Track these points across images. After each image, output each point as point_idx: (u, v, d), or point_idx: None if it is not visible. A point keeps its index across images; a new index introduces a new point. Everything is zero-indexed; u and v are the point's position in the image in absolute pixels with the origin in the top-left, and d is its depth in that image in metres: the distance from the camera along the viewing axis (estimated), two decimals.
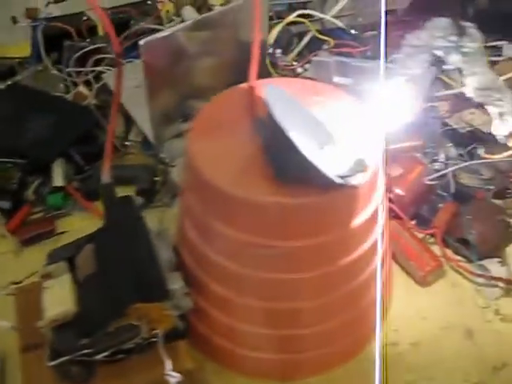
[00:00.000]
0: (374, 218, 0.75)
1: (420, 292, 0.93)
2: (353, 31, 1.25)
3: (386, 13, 1.18)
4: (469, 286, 0.92)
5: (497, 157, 0.86)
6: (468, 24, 0.65)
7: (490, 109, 0.71)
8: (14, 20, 1.20)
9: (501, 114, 0.71)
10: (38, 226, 0.98)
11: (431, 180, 0.99)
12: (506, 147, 0.78)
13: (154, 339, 0.72)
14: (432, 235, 0.96)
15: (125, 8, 1.30)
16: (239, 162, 0.70)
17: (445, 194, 0.99)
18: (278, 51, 1.19)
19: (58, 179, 1.02)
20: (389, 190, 0.98)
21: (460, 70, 0.68)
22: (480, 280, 0.92)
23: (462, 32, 0.65)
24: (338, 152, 0.63)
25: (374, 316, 0.83)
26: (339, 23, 1.23)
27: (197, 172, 0.71)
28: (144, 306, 0.70)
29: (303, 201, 0.67)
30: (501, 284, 0.91)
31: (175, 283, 0.73)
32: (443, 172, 0.99)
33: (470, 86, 0.68)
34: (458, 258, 0.95)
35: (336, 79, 1.08)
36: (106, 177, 0.85)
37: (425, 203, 0.99)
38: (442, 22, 0.64)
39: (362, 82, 1.02)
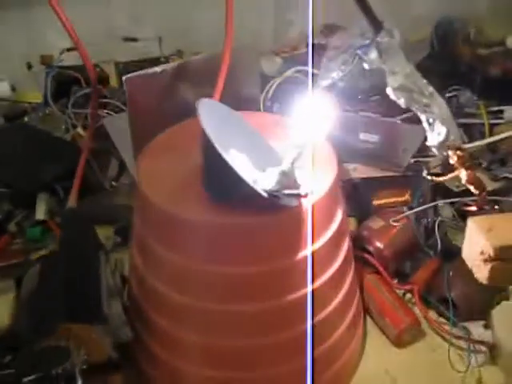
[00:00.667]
0: (330, 248, 0.71)
1: (394, 352, 0.85)
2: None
3: None
4: (449, 349, 0.84)
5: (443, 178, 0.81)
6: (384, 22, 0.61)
7: (420, 116, 0.66)
8: (29, 66, 1.27)
9: (430, 123, 0.65)
10: (10, 257, 0.98)
11: (416, 235, 0.94)
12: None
13: (85, 367, 0.68)
14: (410, 292, 0.90)
15: (141, 63, 1.35)
16: (181, 181, 0.69)
17: (430, 251, 0.93)
18: (277, 105, 1.19)
19: (40, 213, 1.03)
20: (369, 242, 0.94)
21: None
22: (462, 343, 0.84)
23: (378, 27, 0.60)
24: (276, 173, 0.61)
25: (333, 364, 0.77)
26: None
27: (139, 191, 0.70)
28: (74, 327, 0.67)
29: (237, 221, 0.64)
30: (484, 349, 0.83)
31: (113, 308, 0.71)
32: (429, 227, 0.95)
33: (390, 88, 0.63)
34: (439, 318, 0.88)
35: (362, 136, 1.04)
36: (72, 202, 0.85)
37: (408, 259, 0.93)
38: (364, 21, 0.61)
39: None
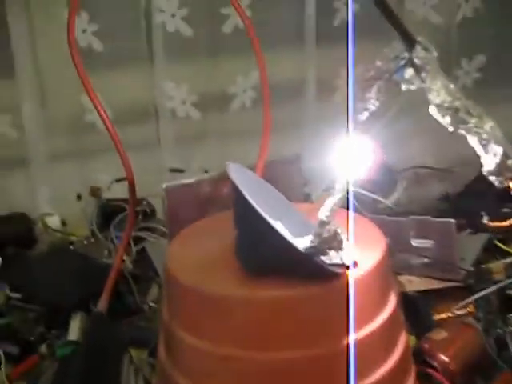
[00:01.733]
0: (381, 340, 0.61)
1: None
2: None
3: None
4: None
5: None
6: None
7: (471, 139, 0.57)
8: (79, 196, 1.29)
9: (483, 145, 0.57)
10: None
11: (486, 346, 0.82)
12: None
13: None
14: None
15: None
16: (212, 259, 0.64)
17: (504, 364, 0.81)
18: None
19: (73, 332, 0.97)
20: (432, 355, 0.82)
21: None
22: None
23: (412, 42, 0.55)
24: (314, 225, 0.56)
25: None
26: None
27: (166, 274, 0.65)
28: None
29: (279, 294, 0.57)
30: None
31: None
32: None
33: (432, 105, 0.56)
34: None
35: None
36: (101, 306, 0.81)
37: (478, 373, 0.80)
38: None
39: None
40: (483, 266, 0.94)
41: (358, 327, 0.59)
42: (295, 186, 1.03)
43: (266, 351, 0.57)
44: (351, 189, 0.56)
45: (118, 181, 1.26)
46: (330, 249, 0.56)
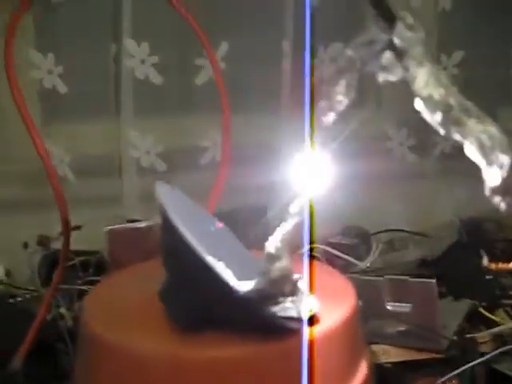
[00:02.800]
0: None
1: None
2: None
3: None
4: None
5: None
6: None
7: (468, 146, 0.42)
8: (25, 245, 1.18)
9: (485, 153, 0.42)
10: None
11: None
12: None
13: None
14: None
15: None
16: (136, 309, 0.52)
17: None
18: None
19: None
20: None
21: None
22: None
23: (391, 20, 0.43)
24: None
25: None
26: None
27: (82, 327, 0.53)
28: None
29: (213, 354, 0.45)
30: None
31: None
32: None
33: (418, 99, 0.43)
34: None
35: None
36: (17, 362, 0.68)
37: None
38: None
39: None
40: (468, 336, 0.83)
41: None
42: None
43: None
44: (307, 214, 0.45)
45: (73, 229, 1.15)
46: (283, 295, 0.44)
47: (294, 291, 0.45)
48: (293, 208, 0.45)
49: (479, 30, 1.38)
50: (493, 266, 0.54)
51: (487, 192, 0.43)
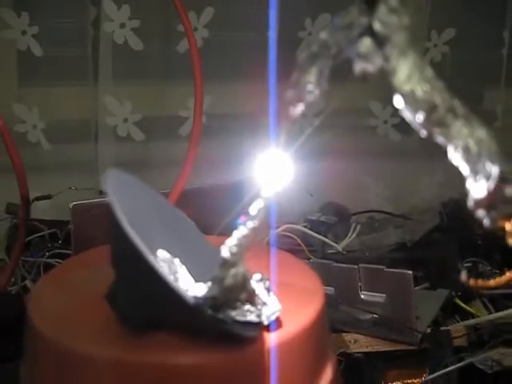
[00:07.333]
0: None
1: None
2: None
3: None
4: None
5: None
6: None
7: (453, 151, 0.37)
8: None
9: (471, 161, 0.37)
10: None
11: None
12: None
13: None
14: None
15: None
16: (82, 307, 0.49)
17: None
18: None
19: None
20: None
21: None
22: None
23: (372, 2, 0.38)
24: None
25: None
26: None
27: (28, 319, 0.50)
28: None
29: (158, 360, 0.42)
30: None
31: None
32: None
33: (398, 95, 0.38)
34: None
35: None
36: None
37: None
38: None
39: None
40: (442, 329, 0.82)
41: None
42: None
43: None
44: (271, 215, 0.41)
45: (38, 199, 1.11)
46: (239, 302, 0.41)
47: (251, 298, 0.42)
48: (252, 210, 0.42)
49: (473, 8, 1.33)
50: (472, 282, 0.51)
51: (470, 204, 0.39)
